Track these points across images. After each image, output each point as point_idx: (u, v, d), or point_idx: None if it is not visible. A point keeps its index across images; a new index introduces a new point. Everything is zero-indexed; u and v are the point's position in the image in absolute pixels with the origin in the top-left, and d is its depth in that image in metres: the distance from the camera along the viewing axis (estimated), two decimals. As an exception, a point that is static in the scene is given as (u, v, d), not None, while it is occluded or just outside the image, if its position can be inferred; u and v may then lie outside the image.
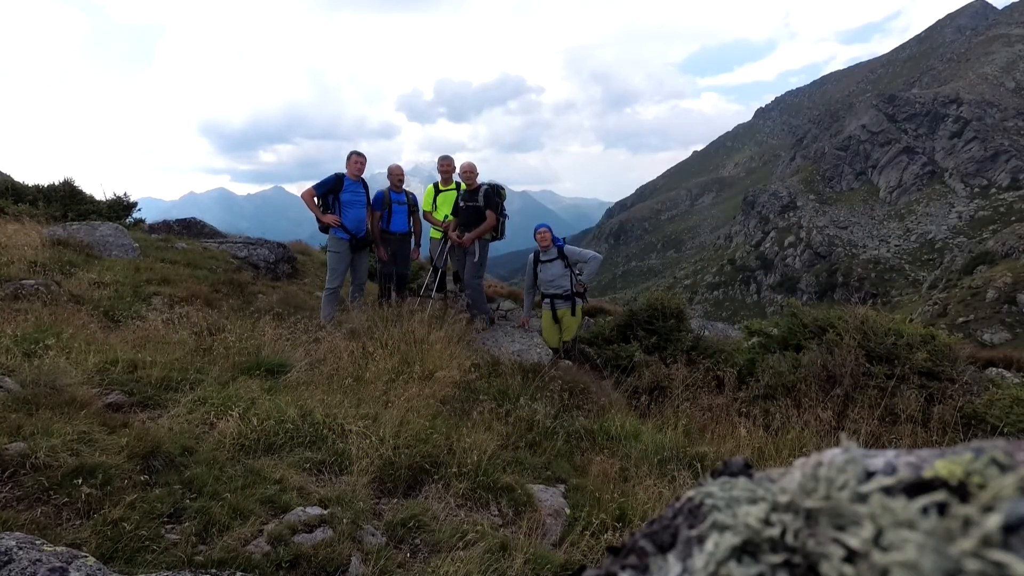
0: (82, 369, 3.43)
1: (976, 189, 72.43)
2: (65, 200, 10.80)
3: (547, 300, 6.30)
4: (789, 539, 0.32)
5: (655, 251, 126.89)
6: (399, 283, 7.10)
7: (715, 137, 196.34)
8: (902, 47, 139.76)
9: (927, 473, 0.31)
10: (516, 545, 2.46)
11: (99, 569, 1.62)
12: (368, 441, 3.06)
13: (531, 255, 6.33)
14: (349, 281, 6.78)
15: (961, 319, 41.91)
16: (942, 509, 0.29)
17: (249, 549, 2.14)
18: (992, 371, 7.92)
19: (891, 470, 0.33)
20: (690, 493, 0.40)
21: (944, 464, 0.31)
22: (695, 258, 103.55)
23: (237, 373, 3.98)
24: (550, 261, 6.17)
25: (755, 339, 6.98)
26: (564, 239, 6.33)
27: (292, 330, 5.16)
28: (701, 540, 0.35)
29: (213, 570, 1.92)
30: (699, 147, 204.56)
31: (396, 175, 6.93)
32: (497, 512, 2.90)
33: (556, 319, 6.29)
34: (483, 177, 6.67)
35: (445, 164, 7.23)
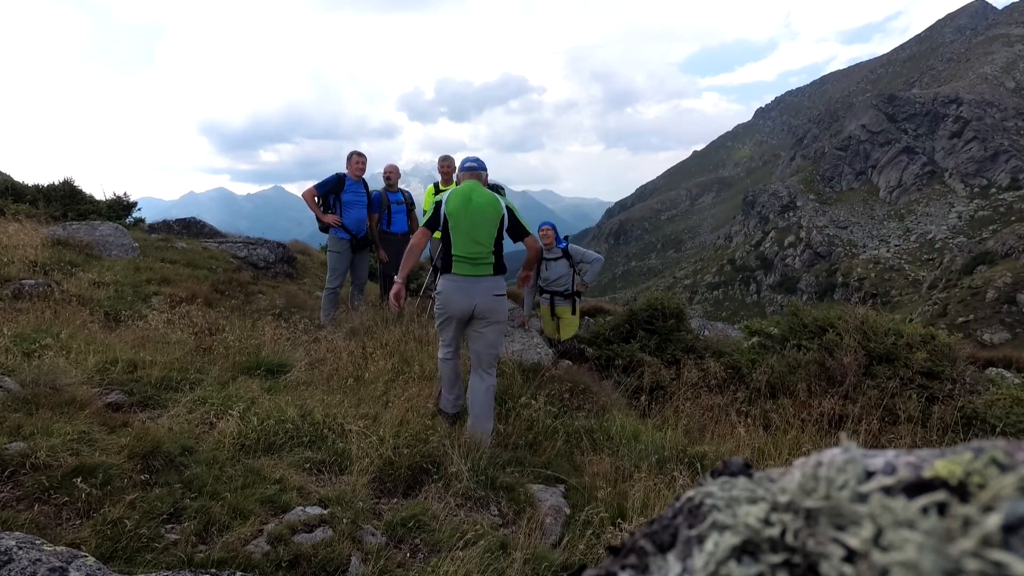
0: (82, 369, 3.44)
1: (976, 189, 72.45)
2: (65, 200, 10.80)
3: (546, 296, 6.32)
4: (789, 539, 0.32)
5: (655, 251, 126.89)
6: (399, 283, 7.11)
7: (715, 137, 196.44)
8: (902, 47, 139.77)
9: (927, 473, 0.31)
10: (516, 545, 2.46)
11: (99, 569, 1.62)
12: (368, 441, 3.06)
13: None
14: (349, 281, 6.78)
15: (961, 319, 41.92)
16: (942, 509, 0.29)
17: (249, 549, 2.14)
18: (992, 371, 7.93)
19: (891, 470, 0.33)
20: (690, 493, 0.40)
21: (944, 464, 0.31)
22: (695, 258, 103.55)
23: (237, 373, 3.98)
24: (555, 259, 6.19)
25: (755, 339, 6.98)
26: (567, 238, 6.35)
27: (292, 330, 5.16)
28: (701, 540, 0.35)
29: (213, 570, 1.92)
30: (699, 147, 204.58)
31: (393, 175, 6.99)
32: (497, 512, 2.90)
33: (554, 315, 6.32)
34: (483, 177, 6.67)
35: (445, 165, 7.25)
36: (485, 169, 3.87)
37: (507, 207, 3.60)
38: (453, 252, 3.55)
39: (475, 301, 3.53)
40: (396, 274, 6.96)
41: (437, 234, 8.04)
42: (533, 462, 3.46)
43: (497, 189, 6.55)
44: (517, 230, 3.68)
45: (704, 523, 0.36)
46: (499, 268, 3.62)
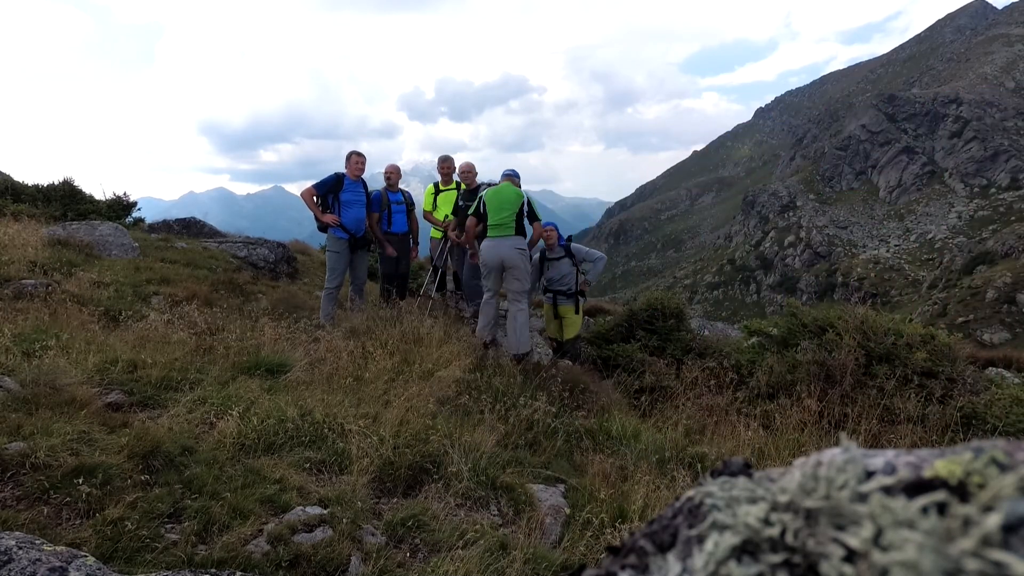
0: (82, 369, 3.43)
1: (976, 189, 72.42)
2: (65, 200, 10.80)
3: (548, 295, 6.32)
4: (789, 539, 0.32)
5: (655, 251, 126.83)
6: (399, 283, 7.11)
7: (715, 137, 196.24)
8: (902, 47, 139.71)
9: (927, 473, 0.31)
10: (516, 544, 2.46)
11: (99, 569, 1.61)
12: (368, 441, 3.06)
13: (537, 254, 6.34)
14: (349, 281, 6.78)
15: (961, 319, 41.92)
16: (942, 509, 0.29)
17: (249, 549, 2.14)
18: (992, 371, 7.93)
19: (891, 470, 0.33)
20: (690, 493, 0.40)
21: (944, 464, 0.31)
22: (695, 258, 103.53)
23: (237, 373, 3.97)
24: (557, 259, 6.19)
25: (755, 339, 6.98)
26: (570, 237, 6.36)
27: (292, 330, 5.16)
28: (701, 540, 0.35)
29: (213, 570, 1.92)
30: (699, 147, 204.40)
31: (394, 174, 7.00)
32: (497, 511, 2.90)
33: (557, 315, 6.31)
34: (483, 177, 6.68)
35: (445, 165, 7.25)
36: (518, 177, 5.82)
37: (528, 198, 5.34)
38: (488, 223, 5.23)
39: (502, 253, 5.23)
40: (395, 275, 7.00)
41: (437, 233, 8.06)
42: (533, 462, 3.45)
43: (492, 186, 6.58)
44: (530, 215, 5.38)
45: (704, 523, 0.36)
46: (520, 231, 5.26)
